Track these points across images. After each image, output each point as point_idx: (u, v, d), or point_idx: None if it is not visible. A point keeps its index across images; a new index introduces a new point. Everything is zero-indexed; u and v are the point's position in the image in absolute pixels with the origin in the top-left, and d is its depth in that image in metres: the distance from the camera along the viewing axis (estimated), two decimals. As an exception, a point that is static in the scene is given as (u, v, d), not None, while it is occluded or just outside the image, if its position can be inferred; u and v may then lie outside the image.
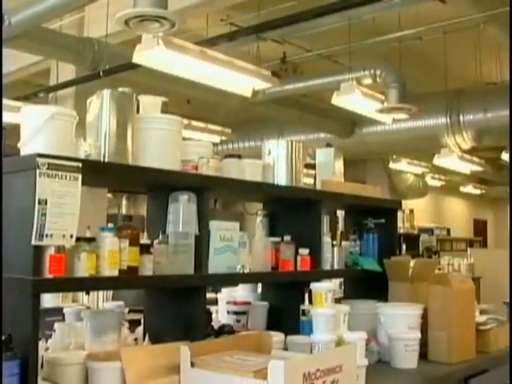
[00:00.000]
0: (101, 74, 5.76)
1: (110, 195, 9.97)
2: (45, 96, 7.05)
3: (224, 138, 7.96)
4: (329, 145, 3.72)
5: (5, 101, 6.32)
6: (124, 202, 14.86)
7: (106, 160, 2.28)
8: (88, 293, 4.95)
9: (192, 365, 2.24)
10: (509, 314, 2.13)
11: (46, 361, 2.23)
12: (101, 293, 4.89)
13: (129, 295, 4.77)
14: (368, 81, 6.51)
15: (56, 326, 2.56)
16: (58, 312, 3.07)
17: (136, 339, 2.72)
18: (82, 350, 2.39)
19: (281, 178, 3.02)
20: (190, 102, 7.96)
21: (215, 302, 3.33)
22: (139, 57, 4.28)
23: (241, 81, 5.01)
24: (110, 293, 4.88)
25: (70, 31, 6.41)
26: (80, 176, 2.06)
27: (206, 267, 2.53)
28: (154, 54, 4.20)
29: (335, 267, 3.28)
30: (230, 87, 5.34)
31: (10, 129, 9.93)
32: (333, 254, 3.25)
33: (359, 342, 2.66)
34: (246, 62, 4.95)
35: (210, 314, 2.87)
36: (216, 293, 3.51)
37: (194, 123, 7.28)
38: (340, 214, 4.23)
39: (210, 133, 7.59)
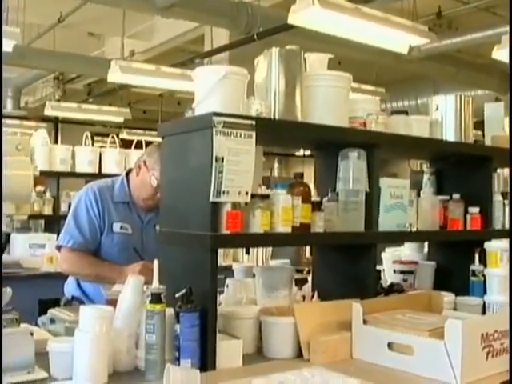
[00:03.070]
0: (255, 37, 5.80)
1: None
2: (200, 62, 7.21)
3: (377, 97, 7.80)
4: (498, 99, 3.53)
5: (163, 68, 6.53)
6: (276, 164, 15.11)
7: (277, 118, 2.29)
8: (248, 252, 5.08)
9: (364, 322, 2.23)
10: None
11: (221, 314, 2.29)
12: (260, 252, 5.00)
13: (286, 255, 4.85)
14: (532, 31, 6.11)
15: (228, 281, 2.64)
16: (221, 270, 3.16)
17: (303, 296, 2.75)
18: (254, 305, 2.46)
19: (449, 134, 2.91)
20: (341, 63, 7.86)
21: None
22: (294, 18, 4.25)
23: (397, 37, 4.87)
24: (269, 253, 4.99)
25: (223, -3, 6.51)
26: (254, 134, 2.09)
27: (377, 225, 2.50)
28: (309, 13, 4.16)
29: (507, 227, 3.13)
30: (386, 44, 5.21)
31: (166, 96, 10.34)
32: (504, 213, 3.11)
33: (538, 305, 2.53)
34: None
35: (379, 272, 2.85)
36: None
37: (348, 84, 7.17)
38: (501, 172, 4.03)
39: (362, 93, 7.45)
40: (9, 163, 1.87)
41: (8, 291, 2.23)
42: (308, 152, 14.87)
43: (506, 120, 3.36)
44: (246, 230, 2.13)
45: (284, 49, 2.37)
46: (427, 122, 2.90)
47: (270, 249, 5.00)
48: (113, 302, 2.18)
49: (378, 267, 3.07)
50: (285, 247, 5.23)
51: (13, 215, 1.80)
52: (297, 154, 15.07)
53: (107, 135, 7.74)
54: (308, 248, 6.53)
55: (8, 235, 1.76)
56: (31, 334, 1.96)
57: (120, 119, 9.34)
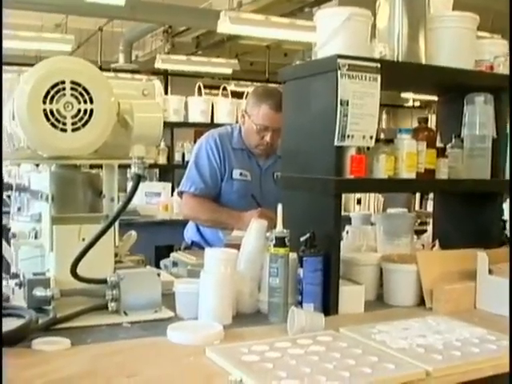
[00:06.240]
0: (366, -18, 5.65)
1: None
2: (309, 11, 7.11)
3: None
4: None
5: (273, 18, 6.48)
6: (384, 116, 14.84)
7: (400, 60, 2.23)
8: (359, 202, 5.05)
9: (489, 272, 2.18)
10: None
11: (342, 260, 2.27)
12: (372, 202, 4.96)
13: (397, 206, 4.78)
14: None
15: (348, 228, 2.62)
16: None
17: (423, 245, 2.71)
18: (374, 252, 2.44)
19: None
20: (455, 9, 7.56)
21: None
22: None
23: (519, -22, 4.62)
24: (381, 203, 4.94)
25: None
26: (379, 77, 2.04)
27: (504, 172, 2.41)
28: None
29: None
30: (507, -14, 4.96)
31: (273, 47, 10.29)
32: None
33: None
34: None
35: (504, 222, 2.75)
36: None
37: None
38: None
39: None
40: (139, 106, 1.91)
41: (133, 234, 2.31)
42: (417, 103, 14.49)
43: None
44: (369, 175, 2.11)
45: (407, -11, 2.29)
46: (558, 65, 2.74)
47: (381, 199, 4.96)
48: (232, 247, 2.20)
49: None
50: (395, 198, 5.18)
51: (143, 157, 1.82)
52: (405, 105, 14.73)
53: (216, 87, 7.80)
54: (418, 200, 6.44)
55: (139, 176, 1.77)
56: (158, 275, 2.02)
57: (228, 71, 9.39)
